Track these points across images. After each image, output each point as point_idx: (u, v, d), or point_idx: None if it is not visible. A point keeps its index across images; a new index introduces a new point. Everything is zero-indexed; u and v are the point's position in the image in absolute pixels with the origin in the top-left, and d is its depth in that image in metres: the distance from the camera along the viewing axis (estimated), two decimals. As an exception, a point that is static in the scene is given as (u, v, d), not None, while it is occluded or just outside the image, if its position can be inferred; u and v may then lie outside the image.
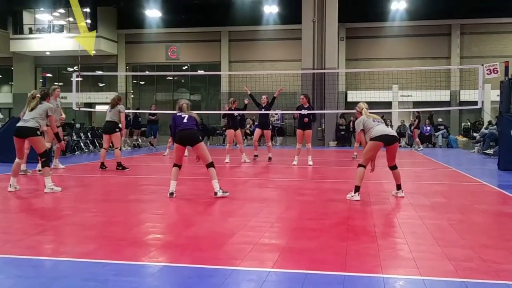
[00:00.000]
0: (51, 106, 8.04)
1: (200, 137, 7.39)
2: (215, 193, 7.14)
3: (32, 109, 7.76)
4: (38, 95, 7.94)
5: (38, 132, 7.66)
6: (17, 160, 7.88)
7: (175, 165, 7.31)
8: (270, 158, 13.21)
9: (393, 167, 7.32)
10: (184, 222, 5.52)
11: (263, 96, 13.18)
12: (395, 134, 7.40)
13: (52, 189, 7.61)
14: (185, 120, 7.31)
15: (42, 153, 7.66)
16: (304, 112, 12.01)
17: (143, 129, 20.58)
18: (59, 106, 11.26)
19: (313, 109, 12.75)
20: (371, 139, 6.96)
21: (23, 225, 5.29)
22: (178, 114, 7.46)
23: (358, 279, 3.54)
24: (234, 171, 11.18)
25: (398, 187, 7.36)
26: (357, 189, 6.97)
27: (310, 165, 11.99)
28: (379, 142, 6.92)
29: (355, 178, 7.05)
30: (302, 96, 12.35)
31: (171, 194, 7.19)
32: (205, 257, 4.02)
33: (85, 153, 16.37)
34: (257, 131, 13.40)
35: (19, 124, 7.72)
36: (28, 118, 7.64)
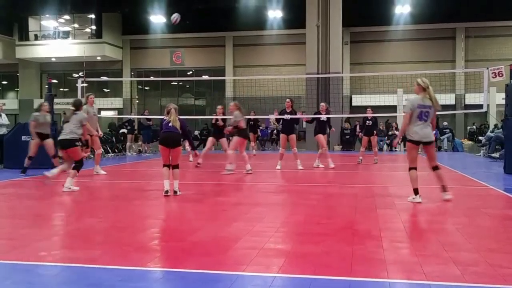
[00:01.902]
0: (85, 117, 8.88)
1: (181, 142, 8.06)
2: (175, 192, 7.70)
3: (67, 121, 8.62)
4: (73, 107, 8.80)
5: (77, 143, 8.52)
6: (62, 166, 8.89)
7: (164, 165, 7.83)
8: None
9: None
10: (189, 227, 5.52)
11: (287, 100, 12.94)
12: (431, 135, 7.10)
13: (70, 188, 8.23)
14: (170, 124, 7.85)
15: (78, 160, 8.52)
16: (298, 116, 12.26)
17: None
18: (95, 113, 11.50)
19: (295, 114, 12.73)
20: (409, 141, 6.99)
21: (29, 231, 5.31)
22: (165, 118, 8.01)
23: (364, 284, 3.53)
24: (239, 177, 11.18)
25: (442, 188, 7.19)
26: (416, 191, 6.96)
27: (300, 169, 11.95)
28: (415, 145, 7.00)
29: (411, 182, 7.04)
30: (288, 100, 12.40)
31: (166, 192, 7.63)
32: (211, 262, 4.02)
33: (90, 159, 16.42)
34: (283, 137, 12.55)
35: (60, 137, 8.61)
36: (66, 131, 8.48)
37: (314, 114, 12.77)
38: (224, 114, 13.33)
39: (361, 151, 14.53)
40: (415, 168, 7.03)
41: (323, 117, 12.86)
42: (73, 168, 8.44)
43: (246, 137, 11.81)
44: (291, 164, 12.39)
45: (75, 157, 8.50)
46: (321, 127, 12.99)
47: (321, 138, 12.90)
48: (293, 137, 12.22)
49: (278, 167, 12.14)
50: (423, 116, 6.84)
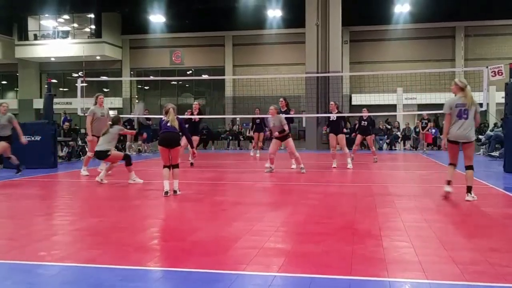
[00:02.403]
0: (121, 128, 9.80)
1: (180, 141, 8.14)
2: (175, 191, 7.75)
3: (104, 134, 9.50)
4: (109, 122, 9.76)
5: (108, 153, 9.43)
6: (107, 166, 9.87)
7: (164, 166, 7.83)
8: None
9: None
10: (189, 227, 5.52)
11: (281, 99, 12.85)
12: (469, 136, 7.19)
13: (134, 180, 9.41)
14: (168, 124, 7.83)
15: (123, 158, 9.65)
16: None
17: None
18: (104, 114, 11.02)
19: (289, 113, 12.67)
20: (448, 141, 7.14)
21: (28, 231, 5.31)
22: (163, 118, 7.99)
23: (364, 283, 3.53)
24: (239, 176, 11.18)
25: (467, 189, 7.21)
26: (448, 182, 7.13)
27: (292, 168, 11.89)
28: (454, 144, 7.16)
29: (469, 181, 7.18)
30: (281, 99, 12.26)
31: (166, 193, 7.61)
32: (211, 261, 4.02)
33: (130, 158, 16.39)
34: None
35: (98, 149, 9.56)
36: (102, 143, 9.46)
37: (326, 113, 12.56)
38: (200, 110, 13.32)
39: (354, 149, 14.53)
40: (453, 164, 7.29)
41: (333, 116, 12.71)
42: (126, 165, 9.54)
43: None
44: (289, 164, 12.36)
45: (114, 160, 9.64)
46: (332, 127, 12.77)
47: (331, 138, 12.78)
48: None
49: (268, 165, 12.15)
50: (462, 114, 6.96)
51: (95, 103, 10.93)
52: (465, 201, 7.05)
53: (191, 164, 12.82)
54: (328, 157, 13.47)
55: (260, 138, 17.52)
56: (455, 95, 7.18)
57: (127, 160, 9.58)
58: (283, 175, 11.29)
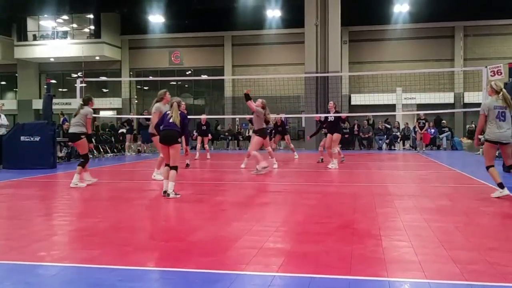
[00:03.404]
0: (90, 111, 9.23)
1: (179, 139, 7.78)
2: (168, 194, 7.42)
3: (75, 115, 9.11)
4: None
5: (82, 136, 8.96)
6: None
7: (166, 164, 7.70)
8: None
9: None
10: (189, 227, 5.52)
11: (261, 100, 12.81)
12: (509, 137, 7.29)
13: (77, 184, 8.64)
14: (170, 120, 7.67)
15: (83, 155, 9.04)
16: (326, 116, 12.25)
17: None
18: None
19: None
20: (487, 141, 7.29)
21: (27, 231, 5.30)
22: (167, 112, 7.88)
23: (363, 283, 3.53)
24: (238, 176, 11.18)
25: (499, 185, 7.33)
26: (500, 185, 7.21)
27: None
28: (494, 144, 7.29)
29: (494, 179, 7.32)
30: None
31: (164, 192, 7.50)
32: (210, 261, 4.02)
33: (90, 159, 16.41)
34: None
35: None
36: (74, 125, 9.02)
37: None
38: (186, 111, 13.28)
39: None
40: (493, 166, 7.29)
41: (331, 117, 12.75)
42: (79, 164, 8.91)
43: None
44: (289, 164, 12.37)
45: (82, 150, 9.02)
46: (330, 127, 12.86)
47: (328, 138, 12.90)
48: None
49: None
50: (500, 116, 7.17)
51: (160, 100, 9.63)
52: (465, 201, 7.05)
53: (187, 165, 12.73)
54: (326, 157, 13.46)
55: (275, 141, 17.76)
56: (491, 97, 7.35)
57: (86, 159, 9.09)
58: (282, 175, 11.29)
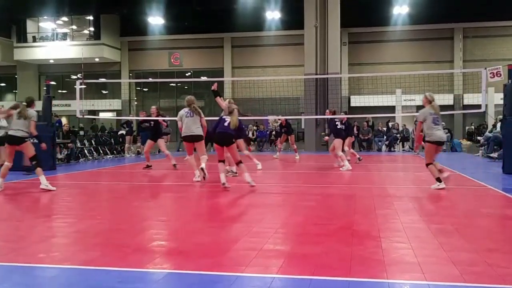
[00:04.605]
0: (34, 114, 9.01)
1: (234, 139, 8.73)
2: (250, 182, 8.51)
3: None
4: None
5: (25, 140, 8.69)
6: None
7: (219, 161, 8.63)
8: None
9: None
10: (188, 229, 5.52)
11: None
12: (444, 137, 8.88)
13: (47, 186, 8.47)
14: (226, 124, 8.47)
15: (33, 157, 8.71)
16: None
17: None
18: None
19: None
20: (428, 141, 8.39)
21: (26, 233, 5.30)
22: (224, 117, 8.61)
23: (363, 284, 3.53)
24: (236, 178, 11.16)
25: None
26: (438, 179, 8.34)
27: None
28: (436, 146, 8.42)
29: (432, 174, 8.44)
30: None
31: (223, 184, 8.37)
32: (210, 263, 4.01)
33: (89, 160, 16.42)
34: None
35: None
36: (17, 128, 8.65)
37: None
38: (158, 114, 13.30)
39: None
40: (432, 163, 8.42)
41: (340, 125, 13.01)
42: (35, 168, 8.68)
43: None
44: (289, 165, 12.36)
45: (27, 153, 8.75)
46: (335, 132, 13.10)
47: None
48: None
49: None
50: (436, 121, 8.41)
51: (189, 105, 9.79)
52: (464, 202, 7.05)
53: (174, 165, 12.70)
54: (327, 158, 13.47)
55: (281, 141, 17.80)
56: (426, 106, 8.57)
57: (38, 161, 8.75)
58: (282, 177, 11.29)
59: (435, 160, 8.54)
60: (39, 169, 8.61)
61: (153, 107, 13.67)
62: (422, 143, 9.18)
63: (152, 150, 19.67)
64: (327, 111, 13.92)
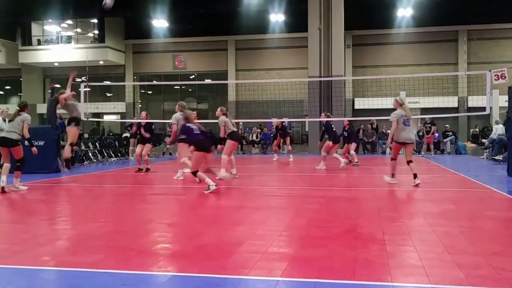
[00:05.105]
0: (27, 118, 9.07)
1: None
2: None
3: (10, 120, 9.07)
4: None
5: (19, 143, 8.89)
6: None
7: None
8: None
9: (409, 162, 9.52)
10: (192, 231, 5.51)
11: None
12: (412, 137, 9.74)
13: (18, 188, 8.80)
14: (197, 132, 8.62)
15: (20, 159, 8.93)
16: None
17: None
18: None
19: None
20: (395, 141, 9.35)
21: (31, 235, 5.31)
22: (189, 125, 8.65)
23: (367, 287, 3.52)
24: (240, 180, 11.16)
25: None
26: (392, 175, 9.55)
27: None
28: (400, 145, 9.37)
29: (391, 169, 9.64)
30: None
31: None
32: (213, 266, 4.01)
33: (93, 163, 16.45)
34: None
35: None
36: (10, 130, 8.90)
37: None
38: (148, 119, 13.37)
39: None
40: (396, 159, 9.66)
41: (345, 133, 14.25)
42: (16, 169, 8.88)
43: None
44: (290, 169, 12.35)
45: (17, 155, 8.92)
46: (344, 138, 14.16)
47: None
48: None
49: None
50: (406, 122, 9.22)
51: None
52: (469, 205, 7.02)
53: (147, 169, 12.72)
54: (330, 161, 13.47)
55: (276, 143, 18.01)
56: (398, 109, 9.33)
57: (22, 164, 8.98)
58: (285, 179, 11.28)
59: (411, 159, 9.52)
60: (19, 172, 8.91)
61: (144, 112, 13.84)
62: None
63: (156, 153, 19.73)
64: (323, 114, 14.40)
